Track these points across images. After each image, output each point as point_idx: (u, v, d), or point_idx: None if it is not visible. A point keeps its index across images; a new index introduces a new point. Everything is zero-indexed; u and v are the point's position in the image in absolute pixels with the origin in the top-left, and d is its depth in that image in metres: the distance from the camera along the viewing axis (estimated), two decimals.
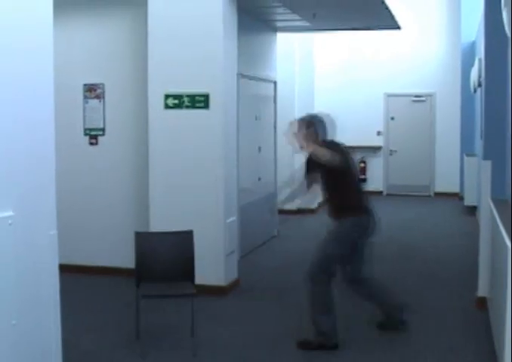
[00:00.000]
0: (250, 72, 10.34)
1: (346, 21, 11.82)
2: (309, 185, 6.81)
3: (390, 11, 10.60)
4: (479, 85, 11.63)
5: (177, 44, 8.14)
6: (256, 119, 10.94)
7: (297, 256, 10.33)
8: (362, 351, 6.28)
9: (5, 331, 3.70)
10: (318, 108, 14.72)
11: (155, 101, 8.23)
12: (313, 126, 6.61)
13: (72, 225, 8.67)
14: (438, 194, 17.56)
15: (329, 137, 6.71)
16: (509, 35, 6.25)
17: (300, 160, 14.05)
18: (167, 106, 8.19)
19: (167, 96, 8.17)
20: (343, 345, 6.38)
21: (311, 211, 14.19)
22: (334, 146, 6.54)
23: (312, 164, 6.56)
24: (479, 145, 11.89)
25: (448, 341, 6.52)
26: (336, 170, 6.35)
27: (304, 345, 6.38)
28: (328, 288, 6.45)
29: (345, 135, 18.89)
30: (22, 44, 3.90)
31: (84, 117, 8.98)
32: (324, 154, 6.28)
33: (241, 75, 9.51)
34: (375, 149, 18.18)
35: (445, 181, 17.51)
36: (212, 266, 8.02)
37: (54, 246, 4.25)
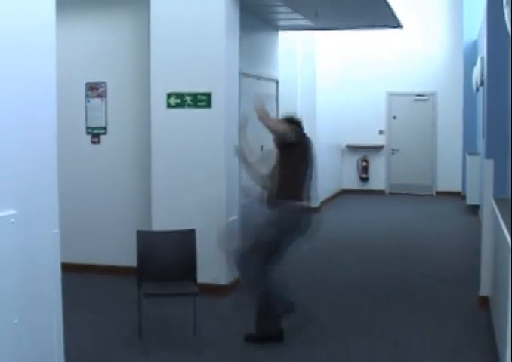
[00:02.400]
0: (252, 70, 10.33)
1: (348, 20, 11.82)
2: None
3: (391, 10, 10.60)
4: (482, 84, 11.63)
5: (180, 43, 8.14)
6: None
7: (299, 255, 10.32)
8: (364, 350, 6.27)
9: (7, 330, 3.70)
10: (320, 106, 14.76)
11: (158, 100, 8.23)
12: (293, 124, 6.70)
13: (74, 223, 8.65)
14: (440, 193, 17.55)
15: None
16: (511, 33, 6.25)
17: None
18: (169, 105, 8.19)
19: (169, 95, 8.17)
20: (346, 345, 6.39)
21: (314, 210, 14.15)
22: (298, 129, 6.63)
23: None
24: (481, 144, 11.88)
25: (451, 340, 6.52)
26: (289, 154, 6.46)
27: (252, 339, 6.43)
28: (269, 276, 6.50)
29: (347, 134, 19.06)
30: (24, 44, 3.90)
31: (86, 116, 8.98)
32: (275, 124, 6.49)
33: (243, 74, 9.50)
34: (377, 148, 18.19)
35: (448, 180, 17.50)
36: (214, 265, 8.01)
37: (56, 245, 4.25)
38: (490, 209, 7.37)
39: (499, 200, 7.01)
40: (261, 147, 11.02)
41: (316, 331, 6.83)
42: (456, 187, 16.99)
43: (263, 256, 6.45)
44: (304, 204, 6.57)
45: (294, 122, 6.73)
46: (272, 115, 11.67)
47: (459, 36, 17.10)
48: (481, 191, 10.69)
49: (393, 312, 7.40)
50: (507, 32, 6.45)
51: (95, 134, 8.98)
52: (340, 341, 6.53)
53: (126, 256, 8.25)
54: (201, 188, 8.15)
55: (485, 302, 7.41)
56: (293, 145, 6.49)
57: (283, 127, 6.50)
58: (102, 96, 8.92)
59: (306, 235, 6.69)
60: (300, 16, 10.74)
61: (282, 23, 11.46)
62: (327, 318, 7.23)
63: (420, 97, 17.95)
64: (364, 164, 18.22)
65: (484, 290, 7.52)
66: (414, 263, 9.88)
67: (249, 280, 6.60)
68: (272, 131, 6.53)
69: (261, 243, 6.48)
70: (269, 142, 11.48)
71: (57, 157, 4.27)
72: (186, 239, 6.59)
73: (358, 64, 18.12)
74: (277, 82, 11.86)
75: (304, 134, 6.71)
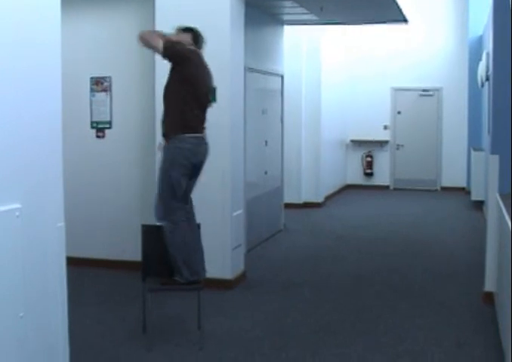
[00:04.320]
0: (257, 65, 10.33)
1: (354, 14, 11.80)
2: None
3: (397, 5, 10.58)
4: (487, 79, 11.61)
5: None
6: (263, 113, 10.94)
7: (304, 250, 10.36)
8: (368, 347, 6.27)
9: (13, 323, 3.70)
10: (325, 102, 14.75)
11: (162, 94, 8.21)
12: (189, 34, 6.51)
13: (79, 217, 8.67)
14: (445, 189, 17.55)
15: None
16: None
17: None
18: None
19: None
20: (351, 340, 6.39)
21: (318, 205, 14.19)
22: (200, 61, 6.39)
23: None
24: (486, 139, 11.87)
25: (455, 335, 6.52)
26: (179, 74, 6.24)
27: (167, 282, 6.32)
28: (183, 225, 6.37)
29: (352, 129, 19.07)
30: (30, 38, 3.90)
31: (91, 110, 8.99)
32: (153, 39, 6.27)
33: (248, 69, 9.50)
34: (382, 144, 18.18)
35: (452, 175, 17.51)
36: (219, 260, 8.02)
37: (62, 239, 4.26)
38: (495, 204, 7.37)
39: (504, 196, 7.00)
40: (266, 142, 11.04)
41: (319, 325, 6.84)
42: (461, 182, 17.00)
43: (171, 196, 6.30)
44: (198, 135, 6.40)
45: (190, 32, 6.49)
46: (277, 110, 11.70)
47: (464, 31, 17.09)
48: (486, 186, 10.68)
49: (397, 307, 7.39)
50: None
51: (100, 128, 8.98)
52: (344, 335, 6.53)
53: (131, 251, 8.26)
54: (206, 183, 8.14)
55: (489, 297, 7.40)
56: (181, 62, 6.24)
57: (162, 40, 6.21)
58: (107, 90, 8.92)
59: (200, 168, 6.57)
60: (306, 11, 10.73)
61: (287, 17, 11.45)
62: (331, 313, 7.23)
63: (425, 93, 17.93)
64: (368, 159, 18.21)
65: (489, 286, 7.52)
66: (418, 258, 9.88)
67: (159, 218, 6.39)
68: (154, 49, 6.32)
69: (163, 184, 6.35)
70: (275, 136, 11.52)
71: (62, 152, 4.27)
72: None
73: (363, 59, 18.12)
74: (282, 77, 11.85)
75: (197, 51, 6.44)
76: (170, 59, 6.34)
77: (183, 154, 6.29)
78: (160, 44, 6.24)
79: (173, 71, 6.35)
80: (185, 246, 6.32)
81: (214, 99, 7.96)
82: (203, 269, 6.51)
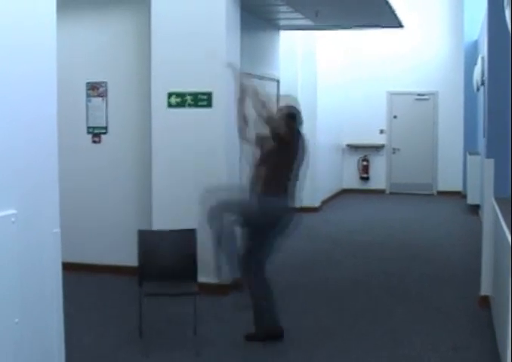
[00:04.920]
0: (253, 70, 10.32)
1: (349, 19, 11.83)
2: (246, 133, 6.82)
3: (392, 10, 10.61)
4: (482, 84, 11.63)
5: (180, 43, 8.14)
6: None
7: (300, 254, 10.35)
8: (364, 350, 6.28)
9: (8, 329, 3.70)
10: (321, 106, 14.76)
11: (158, 99, 8.24)
12: (290, 119, 6.66)
13: (75, 223, 8.67)
14: (441, 193, 17.56)
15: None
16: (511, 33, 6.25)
17: None
18: (170, 105, 8.19)
19: (170, 95, 8.18)
20: (347, 345, 6.40)
21: (314, 209, 14.20)
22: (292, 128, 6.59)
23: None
24: (482, 143, 11.88)
25: (451, 339, 6.52)
26: (279, 150, 6.43)
27: (252, 337, 6.46)
28: (265, 278, 6.63)
29: (348, 133, 19.07)
30: (25, 43, 3.90)
31: (87, 115, 8.98)
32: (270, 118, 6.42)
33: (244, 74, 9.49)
34: (378, 148, 18.20)
35: (448, 179, 17.52)
36: (215, 264, 8.01)
37: (57, 245, 4.25)
38: (491, 208, 7.38)
39: (500, 200, 7.01)
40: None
41: (316, 330, 6.84)
42: (457, 186, 17.00)
43: (258, 256, 6.56)
44: (286, 203, 6.57)
45: (291, 117, 6.68)
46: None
47: (460, 36, 17.11)
48: (481, 190, 10.69)
49: (393, 311, 7.40)
50: (508, 31, 6.45)
51: (96, 134, 8.98)
52: (341, 340, 6.53)
53: (127, 256, 8.25)
54: (201, 188, 8.14)
55: (485, 301, 7.41)
56: (284, 142, 6.44)
57: (277, 122, 6.45)
58: (103, 95, 8.92)
59: (285, 234, 6.68)
60: (301, 16, 10.76)
61: (282, 22, 11.47)
62: (327, 317, 7.24)
63: (420, 97, 17.96)
64: (364, 163, 18.22)
65: (485, 290, 7.52)
66: (414, 262, 9.88)
67: (246, 279, 6.67)
68: (265, 122, 6.47)
69: (253, 244, 6.56)
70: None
71: (58, 157, 4.27)
72: (186, 239, 6.59)
73: (359, 64, 18.14)
74: (278, 82, 11.87)
75: (299, 132, 6.68)
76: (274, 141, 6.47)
77: (268, 219, 6.46)
78: (274, 123, 6.45)
79: (276, 142, 6.47)
80: (266, 295, 6.58)
81: (209, 105, 7.99)
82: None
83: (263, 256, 6.60)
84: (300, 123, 6.79)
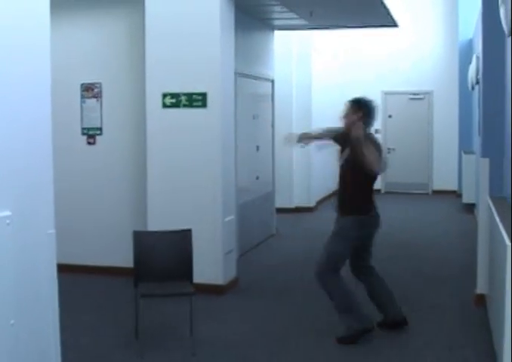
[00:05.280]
0: (247, 70, 10.33)
1: (344, 19, 11.81)
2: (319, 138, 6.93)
3: (387, 9, 10.60)
4: (477, 83, 11.64)
5: (175, 43, 8.13)
6: (254, 118, 10.94)
7: (296, 255, 10.35)
8: (361, 350, 6.27)
9: (4, 331, 3.69)
10: (315, 106, 14.75)
11: (153, 100, 8.23)
12: (361, 111, 6.61)
13: (70, 224, 8.66)
14: (436, 192, 17.58)
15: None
16: (506, 32, 6.26)
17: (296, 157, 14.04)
18: (164, 105, 8.18)
19: (164, 95, 8.17)
20: (343, 345, 6.39)
21: (309, 209, 14.21)
22: (374, 144, 6.50)
23: (344, 142, 6.58)
24: (477, 142, 11.89)
25: (447, 338, 6.52)
26: (363, 169, 6.29)
27: (343, 340, 6.42)
28: (340, 283, 6.54)
29: None
30: (19, 43, 3.89)
31: (81, 116, 8.97)
32: (369, 155, 6.17)
33: (238, 74, 9.50)
34: None
35: (443, 179, 17.53)
36: (211, 265, 8.02)
37: (52, 246, 4.24)
38: (486, 207, 7.38)
39: (495, 199, 7.01)
40: (257, 147, 11.04)
41: (312, 330, 6.83)
42: (452, 186, 17.01)
43: (332, 267, 6.54)
44: (369, 215, 6.63)
45: (362, 109, 6.67)
46: (268, 114, 11.70)
47: (454, 35, 17.12)
48: (477, 189, 10.69)
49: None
50: (503, 30, 6.47)
51: (90, 135, 8.97)
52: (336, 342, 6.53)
53: (122, 257, 8.25)
54: (197, 189, 8.15)
55: (481, 300, 7.41)
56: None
57: (377, 165, 6.33)
58: (97, 96, 8.91)
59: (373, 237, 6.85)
60: (296, 16, 10.74)
61: (277, 22, 11.45)
62: (323, 317, 7.22)
63: (415, 96, 17.97)
64: None
65: (480, 288, 7.52)
66: (410, 261, 9.89)
67: (327, 293, 6.63)
68: (366, 168, 6.29)
69: (327, 254, 6.63)
70: (266, 141, 11.51)
71: (53, 158, 4.26)
72: (182, 239, 6.58)
73: (353, 63, 18.13)
74: (273, 82, 11.86)
75: (379, 149, 6.60)
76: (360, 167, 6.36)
77: (348, 227, 6.50)
78: (374, 165, 6.27)
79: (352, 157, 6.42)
80: (344, 296, 6.52)
81: (204, 105, 8.00)
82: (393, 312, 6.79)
83: (336, 266, 6.61)
84: (375, 114, 6.88)
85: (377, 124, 17.90)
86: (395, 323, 6.77)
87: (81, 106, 8.96)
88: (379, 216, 6.74)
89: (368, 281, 6.91)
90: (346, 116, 6.64)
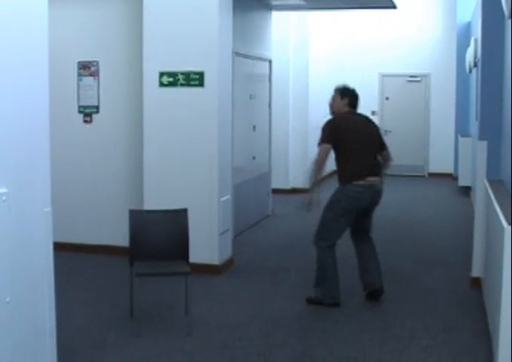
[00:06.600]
0: (245, 50, 10.29)
1: (342, 0, 11.76)
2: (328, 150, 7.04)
3: None
4: (475, 66, 11.61)
5: (173, 22, 8.08)
6: (251, 98, 10.90)
7: (291, 235, 10.36)
8: (354, 329, 6.28)
9: None
10: (312, 86, 14.72)
11: (150, 79, 8.19)
12: (346, 97, 7.14)
13: (66, 202, 8.65)
14: (432, 175, 17.58)
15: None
16: (506, 14, 6.22)
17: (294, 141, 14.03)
18: (161, 84, 8.14)
19: (161, 74, 8.12)
20: (337, 326, 6.41)
21: (305, 191, 14.17)
22: (371, 125, 7.30)
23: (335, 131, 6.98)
24: (473, 125, 11.88)
25: (443, 321, 6.53)
26: (336, 141, 6.92)
27: (310, 301, 7.00)
28: (329, 253, 7.00)
29: None
30: (15, 22, 3.86)
31: (78, 94, 8.93)
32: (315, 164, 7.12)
33: (236, 54, 9.46)
34: None
35: (440, 161, 17.53)
36: (206, 245, 8.02)
37: (49, 224, 4.24)
38: (483, 190, 7.37)
39: (492, 182, 7.01)
40: (253, 127, 11.01)
41: (307, 312, 6.85)
42: (448, 168, 17.01)
43: (324, 236, 6.99)
44: (366, 182, 6.86)
45: (348, 96, 7.17)
46: (265, 95, 11.66)
47: (452, 17, 17.07)
48: (473, 172, 10.69)
49: (384, 292, 7.39)
50: (502, 12, 6.44)
51: (87, 113, 8.94)
52: (332, 321, 6.54)
53: (118, 235, 8.24)
54: (193, 168, 8.13)
55: (477, 282, 7.42)
56: (336, 141, 6.94)
57: (320, 154, 7.06)
58: (94, 74, 8.87)
59: (370, 208, 7.13)
60: None
61: (275, 2, 11.40)
62: None
63: (413, 78, 17.93)
64: None
65: (476, 271, 7.54)
66: (405, 244, 9.89)
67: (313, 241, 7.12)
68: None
69: (321, 223, 7.01)
70: (263, 122, 11.48)
71: (49, 136, 4.24)
72: (178, 218, 6.57)
73: (351, 46, 18.06)
74: (270, 62, 11.82)
75: (349, 118, 7.12)
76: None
77: (343, 199, 6.90)
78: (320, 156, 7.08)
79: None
80: (324, 268, 7.01)
81: (201, 84, 7.95)
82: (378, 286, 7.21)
83: (330, 234, 7.03)
84: (357, 102, 7.29)
85: (374, 106, 18.06)
86: (371, 292, 7.18)
87: (78, 84, 8.92)
88: (375, 187, 6.99)
89: (361, 248, 7.34)
90: (335, 101, 7.22)
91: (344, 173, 6.94)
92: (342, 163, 6.99)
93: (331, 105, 7.21)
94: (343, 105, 7.12)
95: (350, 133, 6.95)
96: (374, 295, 7.14)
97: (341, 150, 6.94)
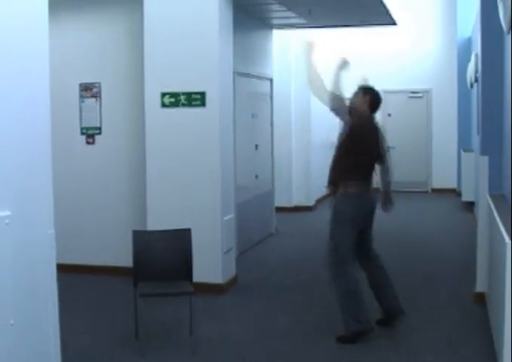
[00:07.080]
0: (246, 69, 10.33)
1: (342, 17, 11.82)
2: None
3: (385, 7, 10.60)
4: (476, 81, 11.64)
5: (173, 43, 8.13)
6: (252, 117, 10.94)
7: (295, 253, 10.35)
8: (361, 348, 6.27)
9: (3, 331, 3.69)
10: (314, 104, 14.73)
11: (152, 99, 8.22)
12: (368, 96, 7.22)
13: (69, 224, 8.66)
14: (435, 190, 17.57)
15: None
16: (505, 29, 6.26)
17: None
18: (163, 105, 8.18)
19: (163, 95, 8.16)
20: (335, 343, 6.39)
21: (308, 208, 14.20)
22: (377, 130, 7.24)
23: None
24: (476, 140, 11.89)
25: (447, 336, 6.52)
26: (346, 142, 6.87)
27: (342, 339, 6.39)
28: (347, 279, 6.47)
29: None
30: (17, 44, 3.89)
31: (80, 116, 8.97)
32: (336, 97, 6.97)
33: (237, 73, 9.50)
34: None
35: (443, 177, 17.52)
36: (210, 264, 8.02)
37: (52, 246, 4.25)
38: (486, 205, 7.37)
39: (495, 197, 7.01)
40: (256, 146, 11.04)
41: (311, 328, 6.83)
42: (451, 184, 17.01)
43: (340, 256, 6.54)
44: (361, 189, 6.92)
45: (369, 94, 7.34)
46: (267, 113, 11.69)
47: (453, 33, 17.12)
48: (476, 187, 10.69)
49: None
50: (501, 27, 6.47)
51: (90, 135, 8.97)
52: (335, 340, 6.52)
53: (122, 256, 8.24)
54: (196, 188, 8.15)
55: (481, 298, 7.41)
56: (356, 137, 6.88)
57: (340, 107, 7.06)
58: (96, 96, 8.91)
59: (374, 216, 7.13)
60: (294, 15, 10.74)
61: (275, 21, 11.46)
62: (322, 316, 7.22)
63: (414, 94, 17.97)
64: None
65: (480, 286, 7.52)
66: (409, 260, 9.88)
67: (332, 283, 6.63)
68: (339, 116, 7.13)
69: (332, 243, 6.66)
70: (265, 140, 11.51)
71: (52, 158, 4.26)
72: (181, 238, 6.57)
73: (352, 62, 18.02)
74: (271, 81, 11.86)
75: (369, 120, 7.16)
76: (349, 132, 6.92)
77: (347, 207, 6.72)
78: (346, 118, 6.99)
79: (348, 135, 6.95)
80: (350, 295, 6.44)
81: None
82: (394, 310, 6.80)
83: (344, 252, 6.59)
84: (379, 103, 7.39)
85: None
86: (390, 316, 6.79)
87: (80, 106, 8.96)
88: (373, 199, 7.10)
89: (370, 271, 6.96)
90: (356, 97, 7.26)
91: (345, 176, 6.87)
92: (345, 166, 6.89)
93: (352, 102, 7.22)
94: (363, 102, 7.12)
95: (366, 146, 6.99)
96: (390, 319, 6.82)
97: (350, 157, 6.87)
